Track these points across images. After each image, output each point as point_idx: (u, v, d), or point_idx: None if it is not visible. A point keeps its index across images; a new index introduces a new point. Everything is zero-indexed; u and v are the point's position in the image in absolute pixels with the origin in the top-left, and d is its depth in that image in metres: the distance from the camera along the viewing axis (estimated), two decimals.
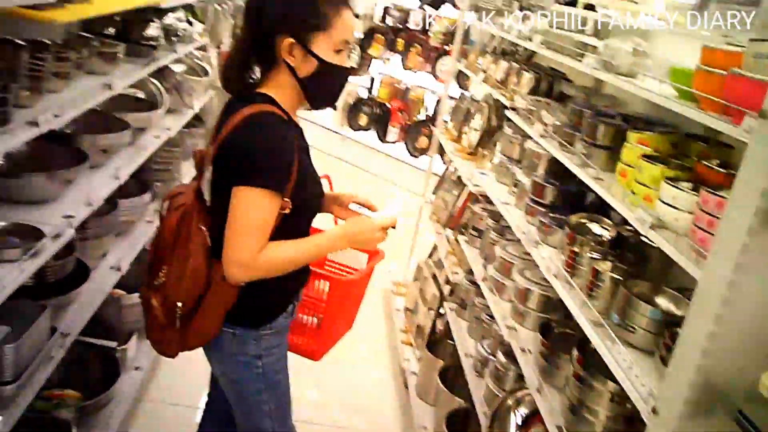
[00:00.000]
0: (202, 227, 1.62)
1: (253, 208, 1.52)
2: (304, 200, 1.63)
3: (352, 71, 1.71)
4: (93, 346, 2.69)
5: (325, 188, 1.87)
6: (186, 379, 2.97)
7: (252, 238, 1.52)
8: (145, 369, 2.90)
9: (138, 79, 2.93)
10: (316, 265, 2.25)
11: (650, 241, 1.56)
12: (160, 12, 3.35)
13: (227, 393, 1.82)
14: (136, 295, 2.77)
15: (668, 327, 1.53)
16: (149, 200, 3.02)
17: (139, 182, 3.02)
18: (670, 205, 1.51)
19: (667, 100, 1.59)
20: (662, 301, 1.70)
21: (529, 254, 2.29)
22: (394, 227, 1.73)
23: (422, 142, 6.51)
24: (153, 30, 3.15)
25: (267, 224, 1.54)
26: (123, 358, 2.77)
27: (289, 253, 1.61)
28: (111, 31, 3.07)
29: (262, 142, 1.53)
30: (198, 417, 2.09)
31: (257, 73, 1.67)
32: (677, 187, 1.51)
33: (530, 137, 2.56)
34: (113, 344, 2.74)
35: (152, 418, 2.84)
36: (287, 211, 1.57)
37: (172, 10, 3.55)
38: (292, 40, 1.56)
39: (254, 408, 1.77)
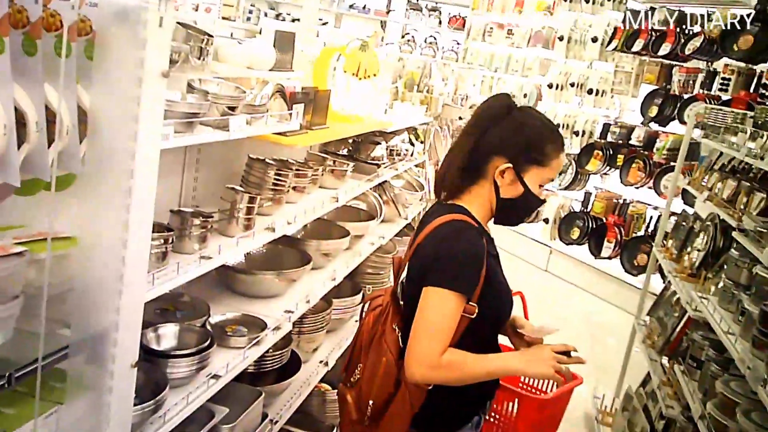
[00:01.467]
0: (396, 327, 1.70)
1: (439, 308, 1.56)
2: (490, 306, 1.64)
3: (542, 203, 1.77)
4: None
5: (518, 305, 1.85)
6: None
7: (434, 337, 1.55)
8: None
9: (360, 193, 3.26)
10: (507, 382, 2.19)
11: None
12: (386, 134, 3.73)
13: None
14: None
15: None
16: (359, 301, 3.25)
17: (352, 283, 3.28)
18: None
19: None
20: None
21: (756, 393, 2.00)
22: (568, 354, 1.65)
23: (641, 259, 6.12)
24: (379, 150, 3.52)
25: (450, 326, 1.57)
26: None
27: (468, 361, 1.60)
28: (344, 150, 3.50)
29: (453, 247, 1.61)
30: None
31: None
32: None
33: (760, 262, 2.30)
34: None
35: None
36: (473, 315, 1.59)
37: (397, 132, 3.93)
38: (509, 164, 1.66)
39: None
